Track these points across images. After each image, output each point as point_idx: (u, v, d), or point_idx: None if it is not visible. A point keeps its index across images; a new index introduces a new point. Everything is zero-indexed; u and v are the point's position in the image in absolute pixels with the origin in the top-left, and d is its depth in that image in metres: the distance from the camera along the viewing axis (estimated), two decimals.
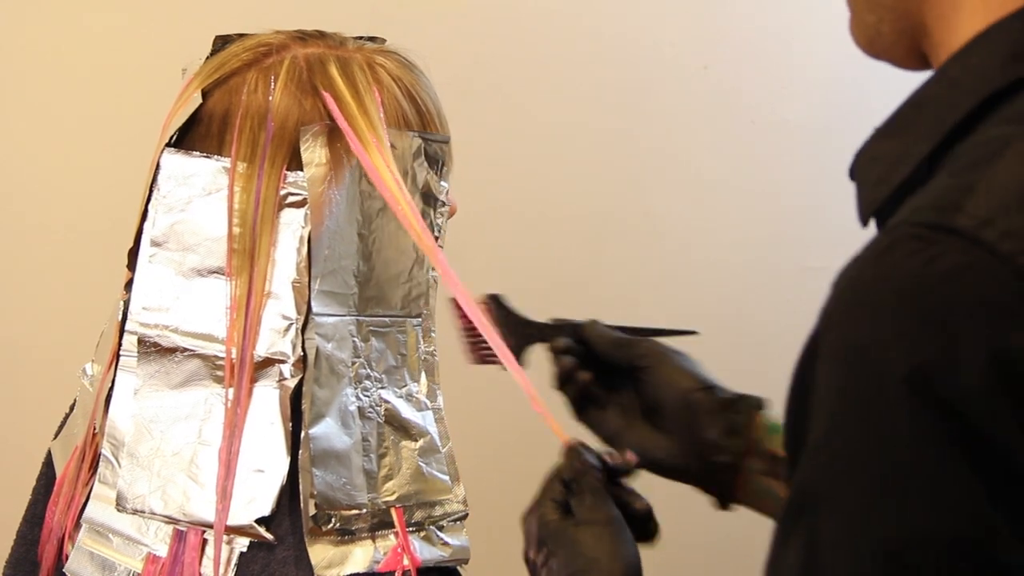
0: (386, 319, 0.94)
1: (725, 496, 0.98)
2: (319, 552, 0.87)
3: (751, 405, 0.97)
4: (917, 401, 0.57)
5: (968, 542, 0.57)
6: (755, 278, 2.05)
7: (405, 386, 0.95)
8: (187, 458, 0.89)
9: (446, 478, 0.95)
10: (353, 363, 0.91)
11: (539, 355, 1.03)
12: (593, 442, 0.97)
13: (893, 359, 0.57)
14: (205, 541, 0.89)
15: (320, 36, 0.95)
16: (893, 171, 0.68)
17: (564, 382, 1.03)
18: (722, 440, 0.96)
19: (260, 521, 0.88)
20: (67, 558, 0.93)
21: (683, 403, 0.98)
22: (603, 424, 1.02)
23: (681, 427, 0.98)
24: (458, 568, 0.94)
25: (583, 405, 1.03)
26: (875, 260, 0.60)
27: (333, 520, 0.88)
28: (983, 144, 0.62)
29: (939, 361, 0.56)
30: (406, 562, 0.89)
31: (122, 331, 0.93)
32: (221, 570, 0.88)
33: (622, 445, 0.99)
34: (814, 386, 0.62)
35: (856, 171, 0.72)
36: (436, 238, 0.97)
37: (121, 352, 0.93)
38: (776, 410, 0.96)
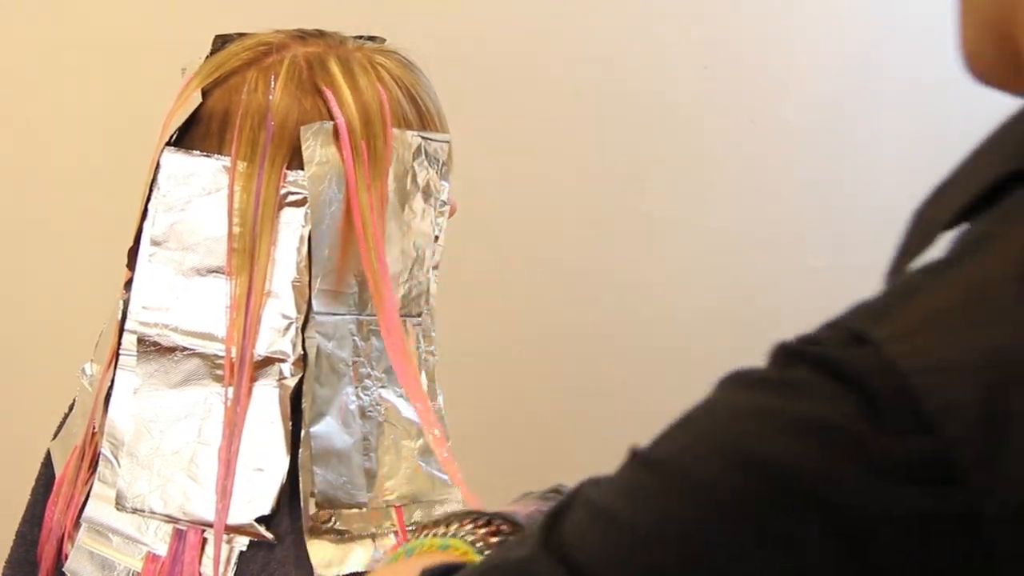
0: None
1: None
2: (319, 551, 0.87)
3: None
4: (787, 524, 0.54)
5: None
6: (755, 278, 2.05)
7: None
8: (187, 457, 0.89)
9: (446, 477, 0.95)
10: (353, 362, 0.91)
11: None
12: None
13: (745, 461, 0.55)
14: (205, 540, 0.89)
15: (320, 35, 0.95)
16: (920, 238, 0.63)
17: None
18: None
19: (260, 520, 0.88)
20: (67, 558, 0.93)
21: None
22: None
23: None
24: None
25: None
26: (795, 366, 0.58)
27: (333, 519, 0.88)
28: (956, 242, 0.59)
29: (817, 482, 0.54)
30: None
31: (122, 330, 0.93)
32: (221, 569, 0.88)
33: None
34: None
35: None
36: (436, 238, 0.97)
37: (121, 351, 0.93)
38: None
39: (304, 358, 0.89)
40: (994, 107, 0.66)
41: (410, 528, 0.91)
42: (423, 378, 0.97)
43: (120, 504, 0.90)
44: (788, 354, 0.57)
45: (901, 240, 0.64)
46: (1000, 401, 0.52)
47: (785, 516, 0.54)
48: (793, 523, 0.53)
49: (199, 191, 0.91)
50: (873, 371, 0.53)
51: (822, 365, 0.54)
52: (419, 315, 0.97)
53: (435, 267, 0.97)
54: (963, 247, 0.57)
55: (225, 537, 0.88)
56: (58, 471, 0.97)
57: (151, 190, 0.92)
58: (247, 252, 0.90)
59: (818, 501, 0.53)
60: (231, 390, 0.89)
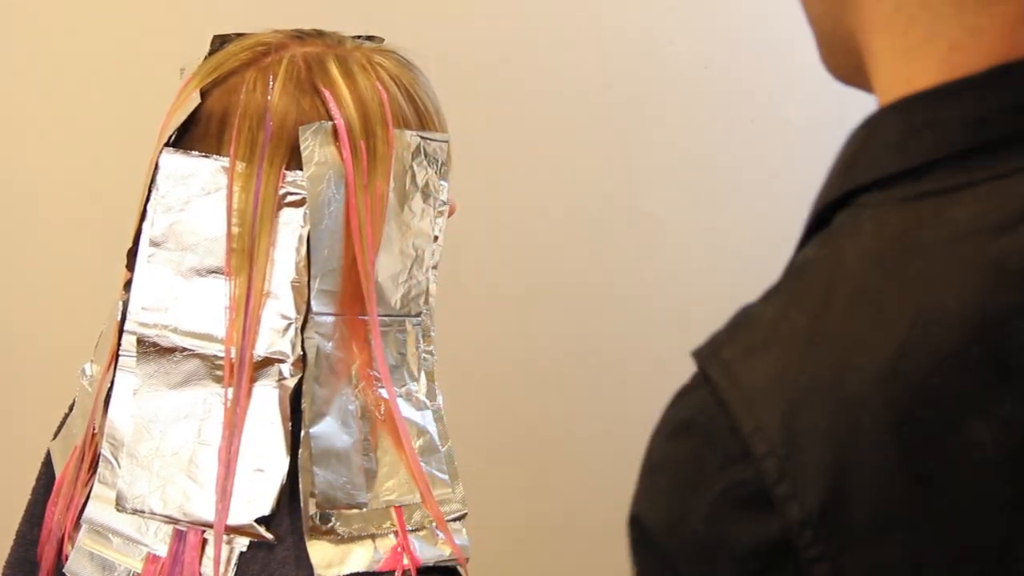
0: (385, 318, 0.94)
1: None
2: (319, 551, 0.87)
3: None
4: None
5: None
6: (755, 278, 2.04)
7: (404, 385, 0.95)
8: (186, 458, 0.89)
9: (445, 477, 0.95)
10: (353, 362, 0.91)
11: None
12: None
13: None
14: (205, 541, 0.89)
15: (318, 35, 0.95)
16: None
17: None
18: None
19: (260, 521, 0.88)
20: (67, 558, 0.93)
21: None
22: None
23: None
24: (458, 567, 0.94)
25: None
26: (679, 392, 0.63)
27: (333, 519, 0.88)
28: (786, 269, 0.63)
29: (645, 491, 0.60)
30: (406, 561, 0.89)
31: (121, 331, 0.93)
32: (221, 570, 0.88)
33: None
34: None
35: None
36: (436, 238, 0.97)
37: (120, 352, 0.93)
38: None
39: (303, 358, 0.89)
40: None
41: (410, 528, 0.91)
42: (423, 378, 0.97)
43: (120, 505, 0.90)
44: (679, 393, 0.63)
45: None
46: (792, 420, 0.56)
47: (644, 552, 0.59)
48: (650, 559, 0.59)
49: (198, 191, 0.91)
50: (707, 406, 0.58)
51: (680, 409, 0.61)
52: (419, 315, 0.97)
53: (434, 267, 0.97)
54: (785, 276, 0.62)
55: (225, 538, 0.88)
56: (58, 472, 0.97)
57: (150, 191, 0.92)
58: (246, 252, 0.90)
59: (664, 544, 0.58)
60: (231, 391, 0.89)
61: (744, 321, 0.61)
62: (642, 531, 0.59)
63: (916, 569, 0.54)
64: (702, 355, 0.61)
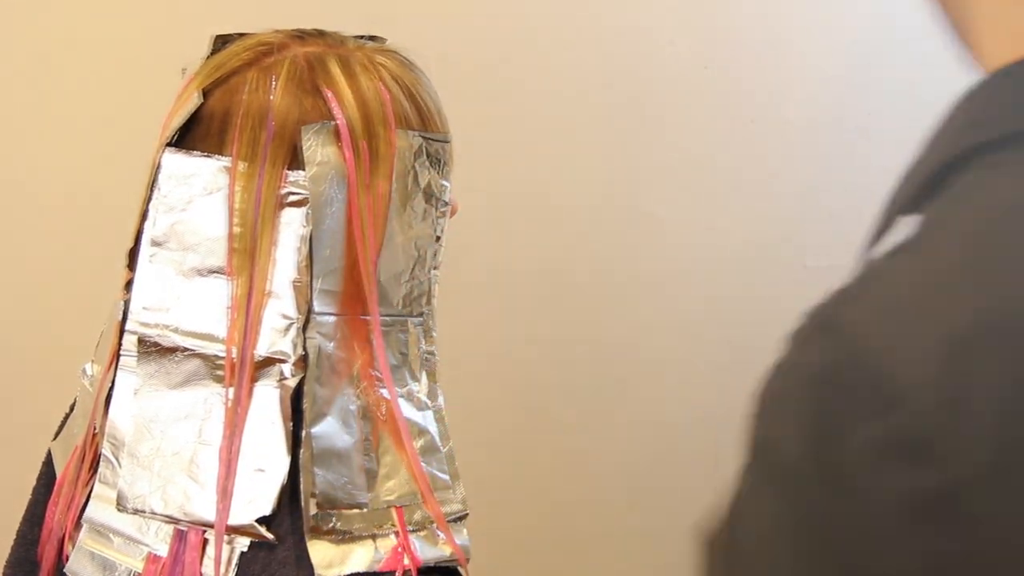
0: (387, 318, 0.94)
1: None
2: (319, 551, 0.87)
3: None
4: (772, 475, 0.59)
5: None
6: (755, 278, 2.05)
7: (406, 385, 0.95)
8: (187, 458, 0.90)
9: (446, 477, 0.95)
10: (354, 362, 0.91)
11: None
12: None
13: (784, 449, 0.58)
14: (206, 541, 0.89)
15: (320, 35, 0.95)
16: (873, 234, 0.66)
17: None
18: None
19: (261, 521, 0.88)
20: (67, 558, 0.93)
21: None
22: None
23: None
24: (459, 568, 0.94)
25: None
26: (789, 350, 0.61)
27: (334, 519, 0.88)
28: (912, 230, 0.61)
29: (821, 447, 0.57)
30: (407, 562, 0.89)
31: (122, 331, 0.93)
32: (222, 570, 0.88)
33: None
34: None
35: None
36: (438, 238, 0.97)
37: (121, 352, 0.93)
38: None
39: (305, 358, 0.89)
40: None
41: (411, 528, 0.91)
42: (424, 378, 0.97)
43: (121, 505, 0.90)
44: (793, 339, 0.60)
45: (874, 223, 0.67)
46: (953, 375, 0.54)
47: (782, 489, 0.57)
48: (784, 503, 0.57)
49: (199, 191, 0.91)
50: (843, 357, 0.56)
51: (804, 352, 0.58)
52: (420, 315, 0.97)
53: (436, 267, 0.97)
54: (915, 234, 0.60)
55: (226, 538, 0.88)
56: (59, 472, 0.97)
57: (151, 191, 0.92)
58: (247, 252, 0.90)
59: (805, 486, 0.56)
60: (232, 391, 0.89)
61: (874, 273, 0.59)
62: (772, 479, 0.58)
63: None
64: (829, 305, 0.59)
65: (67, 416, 1.02)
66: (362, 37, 0.97)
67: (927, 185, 0.62)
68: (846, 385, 0.56)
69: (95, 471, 0.93)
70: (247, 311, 0.89)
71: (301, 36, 0.95)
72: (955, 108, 0.64)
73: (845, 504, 0.55)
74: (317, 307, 0.90)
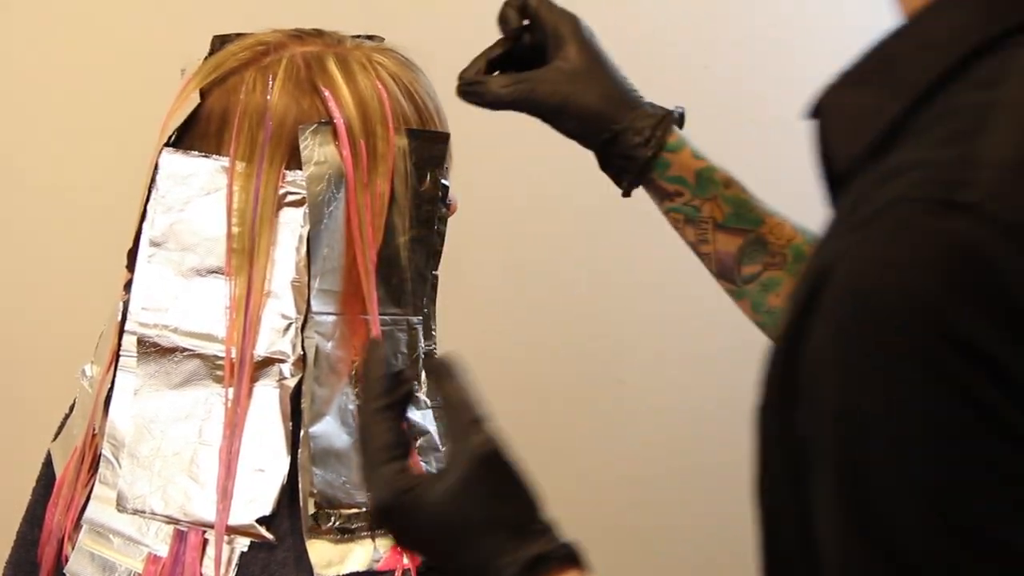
0: (386, 317, 0.93)
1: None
2: (319, 551, 0.87)
3: (675, 120, 1.03)
4: (954, 366, 0.59)
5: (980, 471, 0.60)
6: None
7: None
8: (187, 458, 0.89)
9: None
10: (353, 361, 0.91)
11: None
12: None
13: (925, 324, 0.59)
14: (206, 541, 0.89)
15: (318, 34, 0.95)
16: (862, 129, 0.68)
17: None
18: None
19: (261, 521, 0.88)
20: (67, 559, 0.93)
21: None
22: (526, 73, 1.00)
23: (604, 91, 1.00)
24: None
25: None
26: (890, 240, 0.61)
27: (333, 519, 0.88)
28: (962, 111, 0.63)
29: (966, 324, 0.59)
30: (406, 561, 0.89)
31: (121, 331, 0.93)
32: (222, 570, 0.88)
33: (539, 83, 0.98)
34: (812, 347, 0.63)
35: (823, 117, 0.73)
36: (438, 237, 0.97)
37: (121, 352, 0.93)
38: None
39: (303, 358, 0.89)
40: None
41: None
42: (423, 377, 0.97)
43: (121, 505, 0.90)
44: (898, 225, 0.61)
45: (827, 136, 0.71)
46: None
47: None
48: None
49: (198, 191, 0.91)
50: (983, 231, 0.59)
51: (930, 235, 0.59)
52: (420, 314, 0.97)
53: (436, 266, 0.97)
54: (974, 117, 0.62)
55: (226, 538, 0.88)
56: (58, 472, 0.97)
57: (150, 191, 0.92)
58: (246, 252, 0.90)
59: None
60: (231, 391, 0.89)
61: (972, 161, 0.61)
62: (949, 346, 0.59)
63: None
64: (937, 192, 0.60)
65: (67, 417, 1.02)
66: (360, 36, 0.97)
67: (944, 76, 0.65)
68: (989, 264, 0.59)
69: (95, 472, 0.93)
70: (246, 311, 0.89)
71: (299, 36, 0.95)
72: (922, 22, 0.68)
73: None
74: (316, 307, 0.89)
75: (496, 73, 1.02)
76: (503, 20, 1.01)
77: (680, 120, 1.05)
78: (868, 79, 0.70)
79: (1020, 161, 0.61)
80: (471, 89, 0.96)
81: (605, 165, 1.04)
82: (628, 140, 1.01)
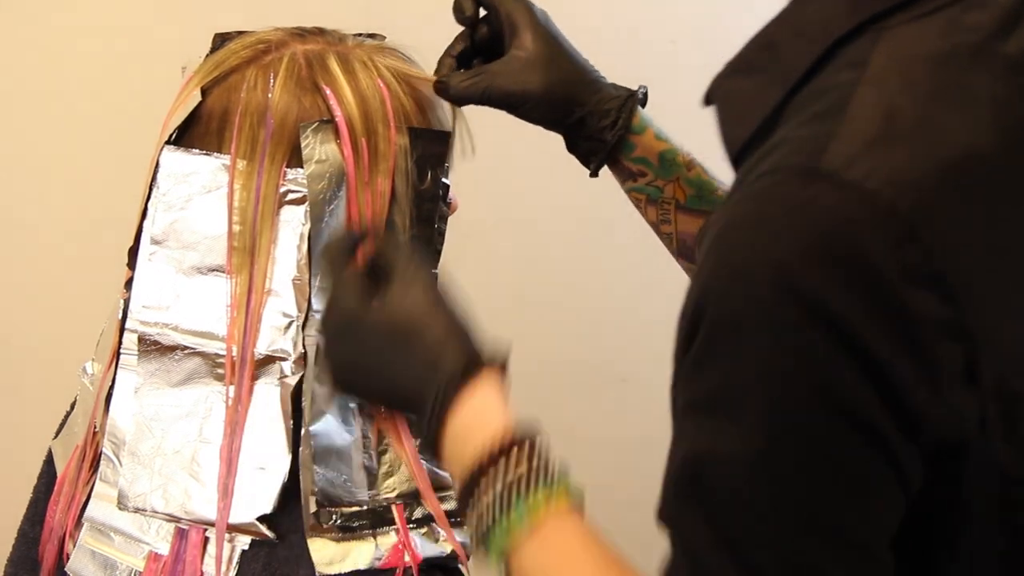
0: None
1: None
2: (320, 549, 0.87)
3: (639, 101, 1.05)
4: (810, 321, 0.62)
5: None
6: None
7: None
8: (188, 456, 0.89)
9: (446, 475, 0.95)
10: None
11: None
12: None
13: (778, 284, 0.63)
14: (207, 539, 0.89)
15: (319, 33, 0.95)
16: (749, 113, 0.73)
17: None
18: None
19: (262, 519, 0.88)
20: (68, 557, 0.93)
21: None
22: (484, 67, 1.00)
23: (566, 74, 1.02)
24: (459, 565, 0.94)
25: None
26: (757, 204, 0.66)
27: (334, 517, 0.88)
28: (830, 91, 0.68)
29: (817, 286, 0.62)
30: (407, 559, 0.89)
31: (122, 329, 0.93)
32: (223, 568, 0.88)
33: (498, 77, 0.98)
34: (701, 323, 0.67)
35: (716, 105, 0.78)
36: (438, 235, 0.97)
37: (121, 350, 0.93)
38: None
39: (304, 356, 0.89)
40: None
41: (411, 525, 0.91)
42: None
43: (122, 503, 0.90)
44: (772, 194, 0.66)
45: (721, 123, 0.76)
46: (942, 195, 0.63)
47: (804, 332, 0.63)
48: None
49: (199, 189, 0.91)
50: (845, 197, 0.63)
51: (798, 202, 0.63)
52: None
53: (436, 265, 0.97)
54: (839, 95, 0.67)
55: (227, 536, 0.88)
56: (59, 470, 0.97)
57: (151, 189, 0.92)
58: (247, 250, 0.90)
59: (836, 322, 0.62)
60: (232, 389, 0.89)
61: (833, 128, 0.65)
62: (816, 324, 0.62)
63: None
64: (802, 162, 0.65)
65: (68, 415, 1.02)
66: (362, 35, 0.97)
67: (817, 62, 0.70)
68: (847, 225, 0.62)
69: (96, 470, 0.93)
70: (247, 309, 0.89)
71: (301, 34, 0.94)
72: (789, 15, 0.74)
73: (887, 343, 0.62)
74: (317, 305, 0.90)
75: (460, 69, 1.02)
76: (457, 10, 1.01)
77: (643, 99, 1.06)
78: (752, 66, 0.75)
79: (878, 134, 0.64)
80: (438, 88, 0.96)
81: (572, 147, 1.04)
82: (594, 123, 1.02)
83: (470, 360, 0.81)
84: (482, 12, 1.02)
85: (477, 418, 0.79)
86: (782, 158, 0.66)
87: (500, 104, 1.00)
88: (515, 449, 0.76)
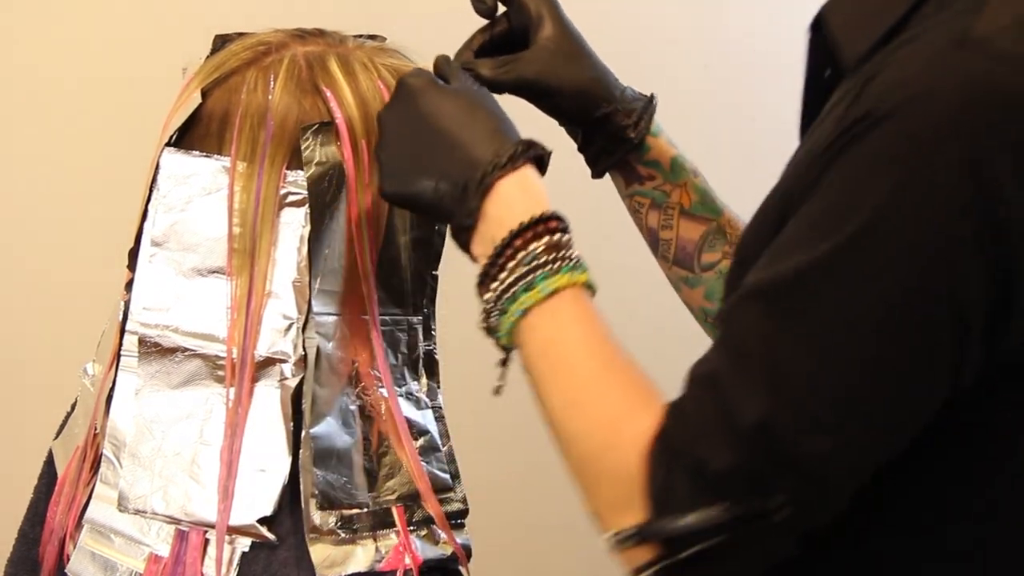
0: (387, 317, 0.94)
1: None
2: (320, 552, 0.87)
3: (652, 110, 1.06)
4: (969, 184, 0.68)
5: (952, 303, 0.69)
6: None
7: (405, 384, 0.95)
8: (188, 458, 0.89)
9: (447, 477, 0.95)
10: (354, 362, 0.91)
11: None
12: None
13: (946, 147, 0.68)
14: (207, 541, 0.89)
15: (320, 34, 0.95)
16: (872, 25, 0.77)
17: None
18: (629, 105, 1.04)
19: (262, 521, 0.88)
20: (68, 559, 0.93)
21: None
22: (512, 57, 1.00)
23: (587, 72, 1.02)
24: (460, 567, 0.94)
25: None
26: (914, 68, 0.71)
27: (334, 520, 0.88)
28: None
29: (979, 148, 0.68)
30: (407, 561, 0.89)
31: (123, 331, 0.93)
32: (223, 570, 0.88)
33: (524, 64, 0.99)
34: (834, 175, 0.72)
35: (825, 26, 0.83)
36: (438, 237, 0.97)
37: (122, 352, 0.93)
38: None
39: (304, 358, 0.89)
40: None
41: (411, 527, 0.91)
42: (423, 377, 0.97)
43: (122, 505, 0.90)
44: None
45: (837, 34, 0.81)
46: None
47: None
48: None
49: (199, 191, 0.91)
50: (993, 63, 0.68)
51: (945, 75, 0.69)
52: (420, 314, 0.97)
53: (436, 266, 0.97)
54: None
55: (227, 538, 0.88)
56: (60, 471, 0.97)
57: (151, 191, 0.92)
58: (247, 252, 0.90)
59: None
60: (232, 391, 0.89)
61: (981, 10, 0.71)
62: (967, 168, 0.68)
63: None
64: (957, 33, 0.70)
65: (68, 416, 1.02)
66: (362, 36, 0.97)
67: None
68: (1001, 88, 0.68)
69: (96, 471, 0.93)
70: (247, 311, 0.89)
71: (301, 35, 0.94)
72: None
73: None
74: (317, 307, 0.89)
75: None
76: (479, 0, 1.01)
77: (655, 106, 1.07)
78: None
79: (1019, 22, 0.70)
80: (471, 72, 0.96)
81: (586, 144, 1.03)
82: (618, 121, 1.02)
83: (530, 141, 0.86)
84: (500, 8, 1.01)
85: (535, 185, 0.85)
86: (929, 37, 0.71)
87: (531, 93, 0.99)
88: (559, 222, 0.84)
